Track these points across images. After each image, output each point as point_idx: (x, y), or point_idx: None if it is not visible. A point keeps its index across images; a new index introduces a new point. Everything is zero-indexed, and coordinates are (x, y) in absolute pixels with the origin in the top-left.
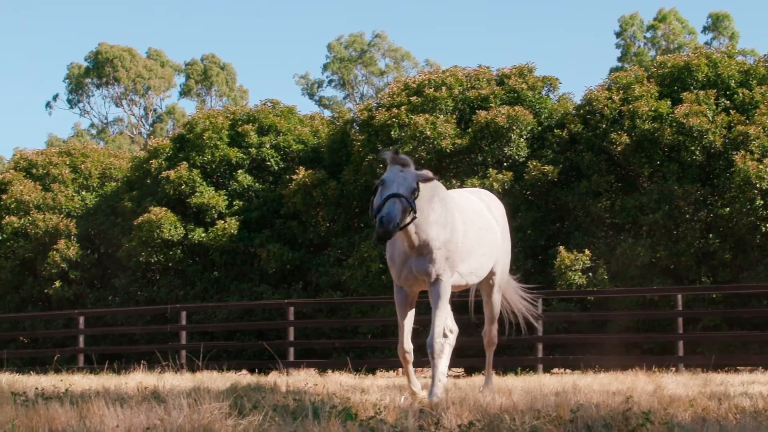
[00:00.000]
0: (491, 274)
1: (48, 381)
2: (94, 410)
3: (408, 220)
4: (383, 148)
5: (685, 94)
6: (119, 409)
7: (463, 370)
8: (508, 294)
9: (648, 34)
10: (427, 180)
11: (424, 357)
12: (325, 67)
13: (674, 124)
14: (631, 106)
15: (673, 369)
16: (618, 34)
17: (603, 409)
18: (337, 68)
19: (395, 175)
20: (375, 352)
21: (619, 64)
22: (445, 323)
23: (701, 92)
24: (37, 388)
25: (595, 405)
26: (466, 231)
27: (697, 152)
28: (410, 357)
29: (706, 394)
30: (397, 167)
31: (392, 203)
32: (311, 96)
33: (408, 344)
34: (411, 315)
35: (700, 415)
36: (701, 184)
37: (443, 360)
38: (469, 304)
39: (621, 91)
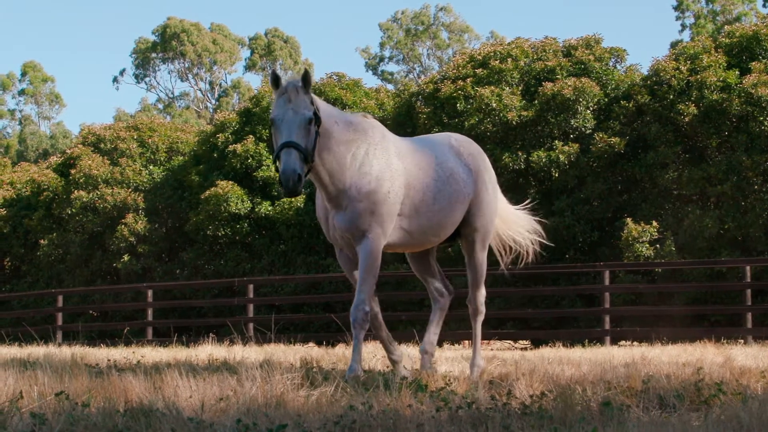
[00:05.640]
0: (470, 230)
1: (119, 353)
2: (168, 381)
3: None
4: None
5: (753, 63)
6: (192, 380)
7: (529, 342)
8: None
9: (706, 5)
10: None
11: (488, 327)
12: (382, 45)
13: (742, 95)
14: (698, 76)
15: (742, 341)
16: (676, 8)
17: (674, 380)
18: (394, 45)
19: (284, 111)
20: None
21: (680, 37)
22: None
23: None
24: (109, 360)
25: (666, 376)
26: (409, 182)
27: (766, 122)
28: (379, 320)
29: None
30: (284, 98)
31: (287, 154)
32: (374, 70)
33: (371, 306)
34: None
35: None
36: None
37: (362, 334)
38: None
39: (688, 62)
